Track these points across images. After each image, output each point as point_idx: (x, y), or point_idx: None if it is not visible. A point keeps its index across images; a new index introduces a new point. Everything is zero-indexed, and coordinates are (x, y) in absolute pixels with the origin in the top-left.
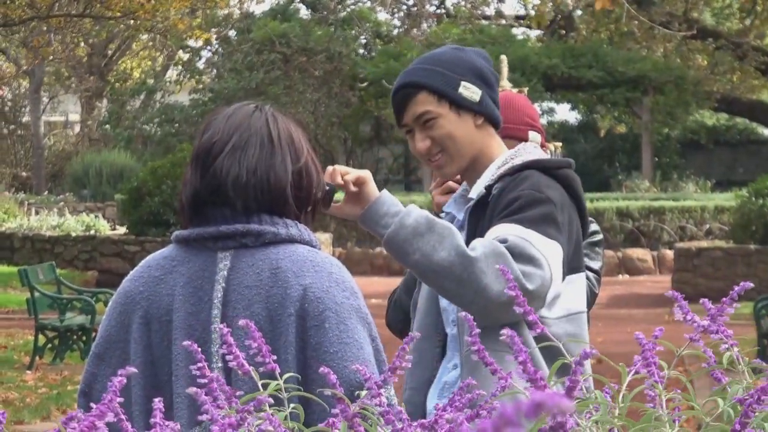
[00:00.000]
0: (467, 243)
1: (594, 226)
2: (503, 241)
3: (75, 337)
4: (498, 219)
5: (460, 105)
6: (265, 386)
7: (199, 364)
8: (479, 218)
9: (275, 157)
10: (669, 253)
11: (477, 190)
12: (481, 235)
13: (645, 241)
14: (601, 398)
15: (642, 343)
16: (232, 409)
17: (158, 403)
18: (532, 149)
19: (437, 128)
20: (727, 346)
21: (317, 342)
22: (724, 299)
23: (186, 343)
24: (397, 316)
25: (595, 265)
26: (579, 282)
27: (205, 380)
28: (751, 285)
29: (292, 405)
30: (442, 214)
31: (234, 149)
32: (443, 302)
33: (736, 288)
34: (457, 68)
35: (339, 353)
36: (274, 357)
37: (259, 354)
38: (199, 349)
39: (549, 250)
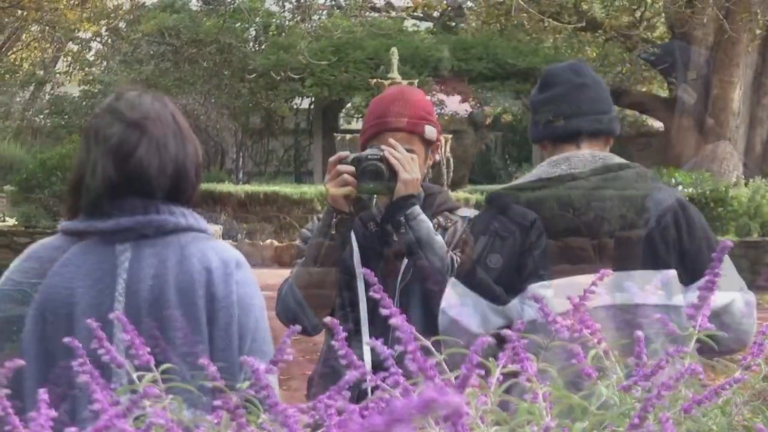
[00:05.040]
0: None
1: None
2: None
3: None
4: None
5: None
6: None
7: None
8: None
9: (187, 148)
10: None
11: None
12: None
13: None
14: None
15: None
16: (123, 388)
17: (42, 393)
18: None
19: None
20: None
21: (226, 323)
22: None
23: (87, 321)
24: (288, 306)
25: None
26: None
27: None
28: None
29: (170, 396)
30: None
31: (150, 141)
32: None
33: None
34: None
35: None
36: (148, 349)
37: (133, 347)
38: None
39: None
